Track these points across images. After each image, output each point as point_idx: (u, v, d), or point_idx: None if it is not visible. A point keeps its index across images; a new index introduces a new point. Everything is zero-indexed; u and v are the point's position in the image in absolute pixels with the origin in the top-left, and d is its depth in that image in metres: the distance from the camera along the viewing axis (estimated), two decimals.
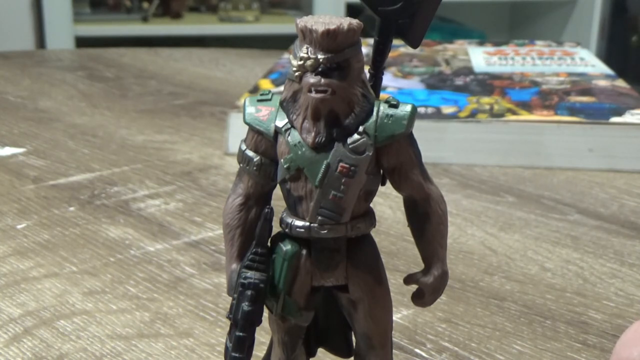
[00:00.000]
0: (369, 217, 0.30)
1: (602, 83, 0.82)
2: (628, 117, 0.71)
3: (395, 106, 0.29)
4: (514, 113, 0.73)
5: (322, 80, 0.27)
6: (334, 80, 0.27)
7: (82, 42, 2.06)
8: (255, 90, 0.80)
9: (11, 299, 0.47)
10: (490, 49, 0.99)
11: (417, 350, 0.42)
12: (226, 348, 0.29)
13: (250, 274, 0.29)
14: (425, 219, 0.30)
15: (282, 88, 0.30)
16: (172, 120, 0.85)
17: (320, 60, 0.27)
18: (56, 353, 0.41)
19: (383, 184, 0.30)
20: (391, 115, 0.28)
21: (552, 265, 0.53)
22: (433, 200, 0.30)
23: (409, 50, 0.98)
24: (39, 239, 0.55)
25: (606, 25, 2.38)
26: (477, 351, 0.42)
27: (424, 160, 0.30)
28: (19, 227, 0.57)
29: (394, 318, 0.45)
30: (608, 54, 2.35)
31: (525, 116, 0.72)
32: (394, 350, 0.42)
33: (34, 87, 1.00)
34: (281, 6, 2.45)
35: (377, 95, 0.30)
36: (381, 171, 0.30)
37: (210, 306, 0.46)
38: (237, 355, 0.29)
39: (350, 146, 0.28)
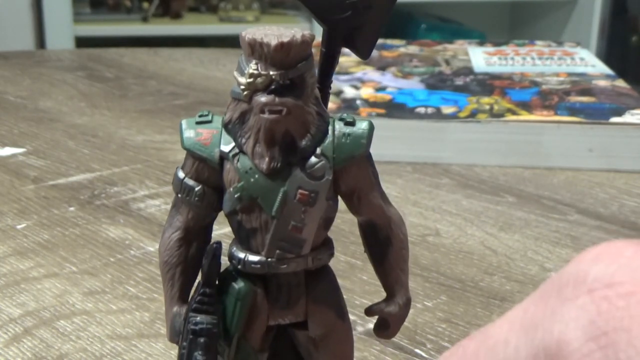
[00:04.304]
0: (329, 246, 0.27)
1: (602, 83, 0.82)
2: (628, 117, 0.71)
3: (352, 124, 0.26)
4: (514, 113, 0.73)
5: (277, 99, 0.25)
6: (289, 99, 0.25)
7: (82, 42, 2.06)
8: None
9: (11, 299, 0.47)
10: (490, 49, 0.99)
11: (417, 350, 0.42)
12: None
13: (200, 318, 0.26)
14: (387, 243, 0.27)
15: None
16: (172, 120, 0.85)
17: (273, 77, 0.25)
18: (56, 353, 0.41)
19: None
20: (349, 135, 0.26)
21: (552, 265, 0.53)
22: (394, 224, 0.27)
23: (409, 50, 0.98)
24: (39, 239, 0.55)
25: (606, 25, 2.37)
26: None
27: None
28: (19, 227, 0.57)
29: None
30: (608, 54, 2.35)
31: (525, 116, 0.72)
32: (393, 350, 0.42)
33: (34, 87, 1.00)
34: (281, 6, 2.45)
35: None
36: (337, 196, 0.27)
37: None
38: None
39: (308, 171, 0.25)
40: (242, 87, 0.25)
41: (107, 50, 1.24)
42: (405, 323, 0.45)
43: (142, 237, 0.56)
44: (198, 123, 0.27)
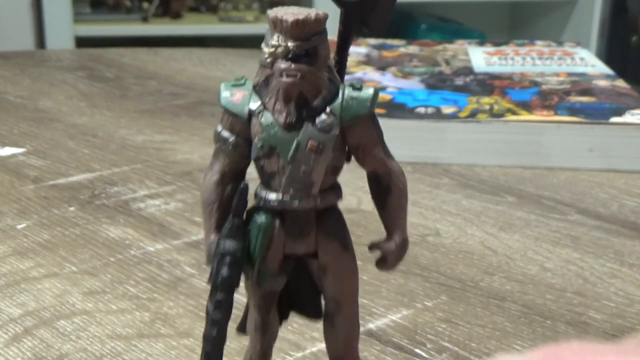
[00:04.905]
0: (336, 190, 0.32)
1: (602, 83, 0.82)
2: (628, 117, 0.71)
3: (359, 89, 0.31)
4: (514, 113, 0.73)
5: (292, 65, 0.30)
6: (303, 66, 0.30)
7: (82, 42, 2.06)
8: None
9: (11, 299, 0.47)
10: (490, 49, 0.99)
11: (417, 350, 0.42)
12: (207, 311, 0.31)
13: (228, 243, 0.31)
14: (388, 192, 0.32)
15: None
16: (172, 120, 0.85)
17: (290, 47, 0.30)
18: (56, 353, 0.41)
19: (348, 160, 0.32)
20: (355, 98, 0.31)
21: (552, 265, 0.53)
22: (394, 175, 0.32)
23: (409, 50, 0.98)
24: (39, 239, 0.55)
25: (606, 25, 2.38)
26: (477, 351, 0.42)
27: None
28: (19, 227, 0.57)
29: (394, 317, 0.45)
30: (608, 54, 2.35)
31: (525, 116, 0.72)
32: (393, 350, 0.42)
33: (34, 87, 1.00)
34: (281, 6, 2.44)
35: (342, 80, 0.32)
36: (346, 148, 0.32)
37: None
38: (218, 315, 0.31)
39: (318, 125, 0.30)
40: (266, 55, 0.30)
41: (107, 50, 1.24)
42: (406, 323, 0.45)
43: (142, 237, 0.56)
44: (233, 85, 0.32)
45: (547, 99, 0.76)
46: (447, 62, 0.91)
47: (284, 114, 0.30)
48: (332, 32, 0.31)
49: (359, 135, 0.31)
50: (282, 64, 0.30)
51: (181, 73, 1.08)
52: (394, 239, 0.33)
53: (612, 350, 0.24)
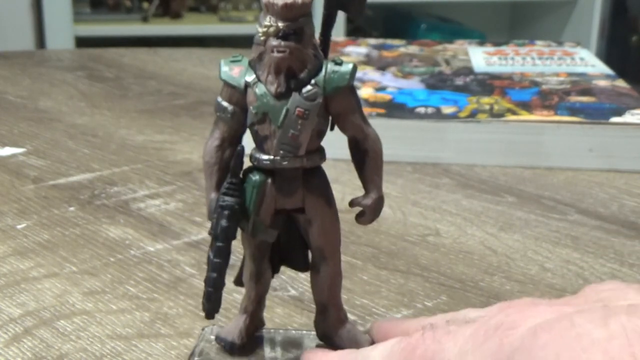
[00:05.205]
0: (320, 152, 0.36)
1: (602, 83, 0.82)
2: (628, 117, 0.71)
3: (340, 64, 0.35)
4: (514, 113, 0.73)
5: (282, 43, 0.34)
6: (291, 43, 0.34)
7: (82, 42, 2.06)
8: None
9: (11, 299, 0.47)
10: (490, 49, 0.99)
11: None
12: (208, 257, 0.36)
13: (227, 199, 0.36)
14: (365, 154, 0.36)
15: None
16: (172, 120, 0.85)
17: (280, 27, 0.34)
18: (56, 353, 0.41)
19: (332, 128, 0.37)
20: (336, 71, 0.35)
21: (552, 265, 0.53)
22: (371, 139, 0.36)
23: (409, 50, 0.98)
24: (39, 239, 0.55)
25: (606, 25, 2.38)
26: None
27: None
28: (19, 227, 0.57)
29: (395, 317, 0.45)
30: (608, 54, 2.35)
31: (525, 116, 0.72)
32: None
33: (34, 87, 1.00)
34: None
35: (326, 56, 0.37)
36: (329, 117, 0.36)
37: None
38: (218, 260, 0.36)
39: (304, 95, 0.35)
40: (260, 34, 0.34)
41: (107, 50, 1.24)
42: None
43: (142, 237, 0.56)
44: (232, 61, 0.36)
45: (547, 99, 0.76)
46: (447, 62, 0.91)
47: (275, 85, 0.35)
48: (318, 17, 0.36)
49: (340, 104, 0.36)
50: (274, 42, 0.34)
51: (181, 73, 1.08)
52: (370, 195, 0.37)
53: (556, 304, 0.30)
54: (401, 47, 1.00)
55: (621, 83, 0.82)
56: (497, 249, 0.55)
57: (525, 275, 0.51)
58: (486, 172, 0.70)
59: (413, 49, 0.99)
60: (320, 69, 0.35)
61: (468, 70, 0.87)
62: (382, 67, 0.89)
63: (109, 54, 1.21)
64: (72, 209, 0.61)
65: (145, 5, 2.29)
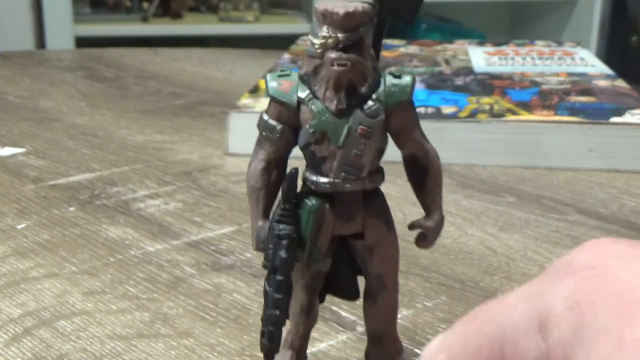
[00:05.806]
0: (381, 172, 0.34)
1: (602, 83, 0.82)
2: (628, 117, 0.71)
3: (399, 77, 0.33)
4: (514, 113, 0.73)
5: (343, 55, 0.31)
6: (352, 55, 0.32)
7: (82, 42, 2.06)
8: (255, 90, 0.80)
9: (11, 299, 0.47)
10: (490, 49, 0.99)
11: (417, 351, 0.42)
12: (265, 292, 0.32)
13: (282, 227, 0.32)
14: (425, 172, 0.34)
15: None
16: (172, 120, 0.85)
17: (340, 38, 0.31)
18: (56, 353, 0.41)
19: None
20: (396, 85, 0.33)
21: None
22: (431, 156, 0.35)
23: (409, 50, 0.98)
24: (39, 239, 0.55)
25: (606, 25, 2.37)
26: None
27: None
28: (19, 227, 0.57)
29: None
30: (608, 54, 2.35)
31: (525, 116, 0.72)
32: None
33: (34, 87, 1.00)
34: (281, 6, 2.45)
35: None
36: (387, 133, 0.34)
37: (210, 306, 0.46)
38: (279, 296, 0.32)
39: (367, 111, 0.32)
40: (317, 46, 0.32)
41: (107, 50, 1.25)
42: (405, 323, 0.45)
43: (142, 237, 0.56)
44: (280, 76, 0.33)
45: (547, 99, 0.76)
46: (447, 62, 0.91)
47: (335, 101, 0.32)
48: None
49: (400, 120, 0.33)
50: (333, 54, 0.31)
51: (181, 73, 1.08)
52: (432, 217, 0.35)
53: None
54: (401, 47, 1.00)
55: (621, 83, 0.82)
56: (497, 249, 0.55)
57: (525, 275, 0.51)
58: (486, 172, 0.70)
59: (413, 49, 0.99)
60: (379, 83, 0.33)
61: (468, 70, 0.87)
62: (382, 67, 0.89)
63: (109, 54, 1.21)
64: (72, 209, 0.61)
65: (145, 5, 2.29)
